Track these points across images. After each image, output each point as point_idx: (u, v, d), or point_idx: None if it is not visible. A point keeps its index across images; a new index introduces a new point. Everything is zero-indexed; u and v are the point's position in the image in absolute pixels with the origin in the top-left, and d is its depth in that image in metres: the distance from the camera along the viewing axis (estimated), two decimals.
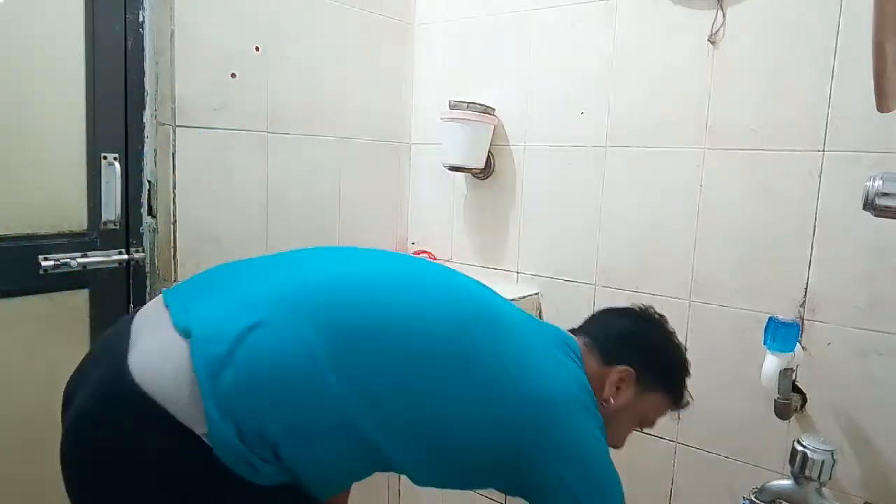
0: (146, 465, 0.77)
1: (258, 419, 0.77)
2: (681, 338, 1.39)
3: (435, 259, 1.83)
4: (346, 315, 0.84)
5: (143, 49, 1.31)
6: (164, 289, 1.02)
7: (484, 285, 1.04)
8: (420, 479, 0.92)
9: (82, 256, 1.26)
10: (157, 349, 0.79)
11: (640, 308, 1.12)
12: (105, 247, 1.30)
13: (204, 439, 0.75)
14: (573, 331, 1.09)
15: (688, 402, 1.11)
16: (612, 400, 1.01)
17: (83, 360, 0.89)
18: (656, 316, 1.11)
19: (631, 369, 1.01)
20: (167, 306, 0.85)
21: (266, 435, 0.77)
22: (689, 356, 1.38)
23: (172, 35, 1.30)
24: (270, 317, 0.81)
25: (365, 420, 0.81)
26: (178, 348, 0.78)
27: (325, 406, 0.80)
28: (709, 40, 1.32)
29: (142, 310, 0.89)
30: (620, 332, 1.05)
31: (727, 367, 1.35)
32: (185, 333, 0.79)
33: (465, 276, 1.06)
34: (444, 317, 0.89)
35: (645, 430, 1.12)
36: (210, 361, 0.76)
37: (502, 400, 0.87)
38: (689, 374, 1.10)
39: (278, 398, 0.78)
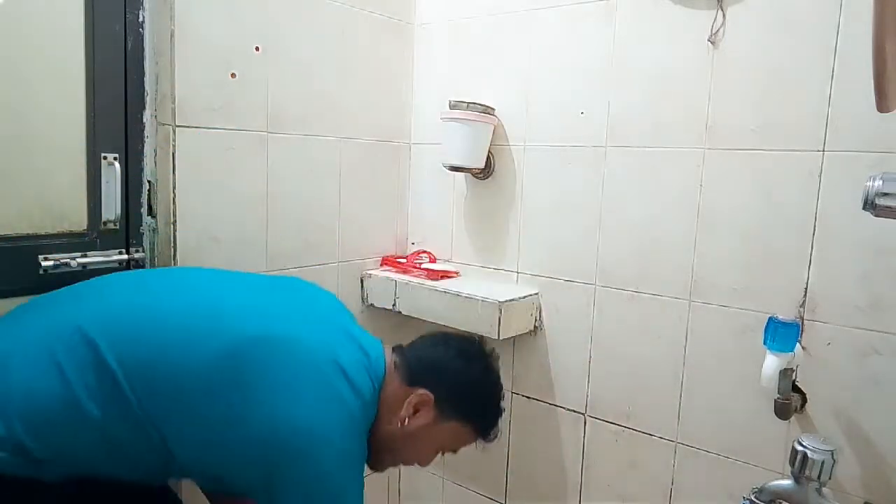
0: None
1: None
2: (681, 338, 1.40)
3: (434, 260, 1.83)
4: (118, 348, 0.92)
5: (143, 49, 1.31)
6: None
7: (291, 293, 1.13)
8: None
9: (82, 256, 1.26)
10: None
11: (469, 340, 1.17)
12: (105, 247, 1.30)
13: None
14: (399, 346, 1.14)
15: (496, 437, 1.15)
16: (407, 421, 1.06)
17: None
18: (482, 351, 1.16)
19: (429, 393, 1.06)
20: None
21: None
22: (689, 356, 1.40)
23: (172, 35, 1.30)
24: (21, 350, 0.92)
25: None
26: None
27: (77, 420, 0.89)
28: (709, 40, 1.32)
29: None
30: (429, 358, 1.11)
31: (727, 367, 1.35)
32: None
33: (270, 289, 1.12)
34: (206, 351, 0.94)
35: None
36: None
37: (239, 438, 0.92)
38: (500, 410, 1.15)
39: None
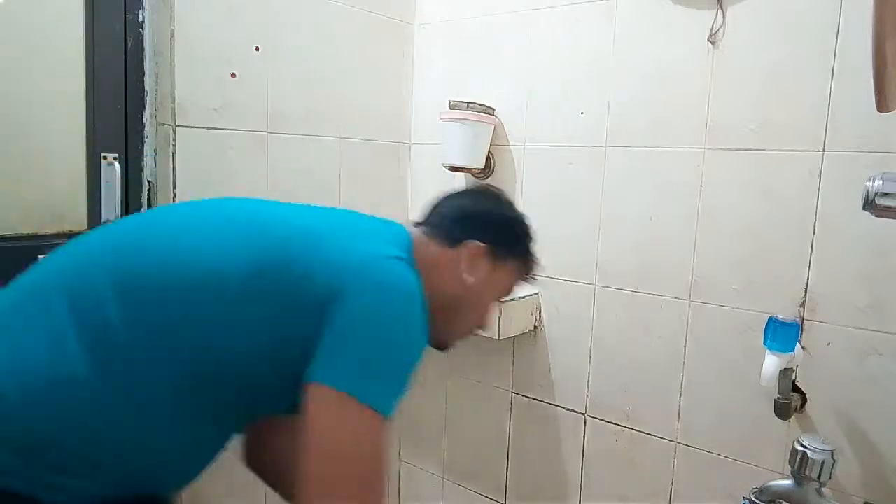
0: None
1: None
2: (681, 338, 1.40)
3: None
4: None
5: (143, 49, 1.31)
6: None
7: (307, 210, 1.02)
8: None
9: None
10: None
11: (481, 184, 1.12)
12: None
13: None
14: (417, 224, 1.07)
15: (537, 268, 1.12)
16: (471, 278, 1.00)
17: None
18: (492, 190, 1.13)
19: (479, 243, 1.00)
20: None
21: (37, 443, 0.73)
22: (689, 356, 1.40)
23: (172, 35, 1.30)
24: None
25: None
26: None
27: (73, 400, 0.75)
28: (709, 40, 1.32)
29: None
30: (460, 212, 1.04)
31: (727, 367, 1.35)
32: None
33: (289, 208, 1.01)
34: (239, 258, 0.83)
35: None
36: None
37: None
38: (534, 239, 1.11)
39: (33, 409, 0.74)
